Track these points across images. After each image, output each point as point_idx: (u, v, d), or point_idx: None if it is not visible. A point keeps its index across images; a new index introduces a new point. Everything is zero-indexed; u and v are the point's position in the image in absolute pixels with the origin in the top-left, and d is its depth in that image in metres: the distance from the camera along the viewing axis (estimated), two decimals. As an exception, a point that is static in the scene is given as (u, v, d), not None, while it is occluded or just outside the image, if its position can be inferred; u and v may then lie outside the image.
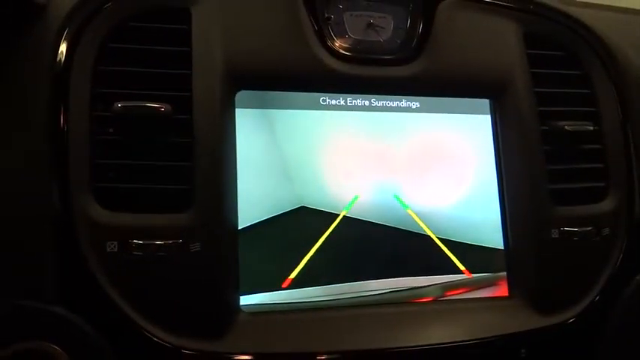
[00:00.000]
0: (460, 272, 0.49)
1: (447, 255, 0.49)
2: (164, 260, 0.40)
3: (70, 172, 0.40)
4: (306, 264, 0.45)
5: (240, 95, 0.46)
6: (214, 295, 0.42)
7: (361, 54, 0.50)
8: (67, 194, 0.39)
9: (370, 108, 0.50)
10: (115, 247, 0.40)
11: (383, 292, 0.47)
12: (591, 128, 0.53)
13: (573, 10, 0.57)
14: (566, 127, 0.53)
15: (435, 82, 0.51)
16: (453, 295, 0.49)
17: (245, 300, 0.44)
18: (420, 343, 0.45)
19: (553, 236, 0.50)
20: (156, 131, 0.42)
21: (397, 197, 0.49)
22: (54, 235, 0.39)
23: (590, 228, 0.51)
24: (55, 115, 0.41)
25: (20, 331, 0.37)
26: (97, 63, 0.43)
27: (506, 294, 0.50)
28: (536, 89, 0.53)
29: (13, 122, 0.40)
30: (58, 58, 0.42)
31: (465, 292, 0.49)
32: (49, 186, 0.39)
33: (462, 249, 0.49)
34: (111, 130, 0.42)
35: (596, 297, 0.49)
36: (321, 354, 0.42)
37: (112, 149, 0.42)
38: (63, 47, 0.42)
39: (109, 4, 0.44)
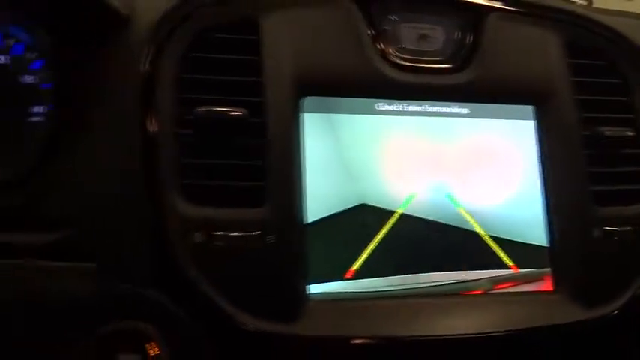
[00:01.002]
0: (508, 267, 0.52)
1: (495, 251, 0.52)
2: (243, 250, 0.44)
3: (160, 170, 0.44)
4: (367, 257, 0.49)
5: (306, 101, 0.50)
6: (287, 282, 0.46)
7: (414, 63, 0.54)
8: (157, 190, 0.44)
9: (423, 113, 0.54)
10: (200, 237, 0.44)
11: (437, 284, 0.50)
12: (630, 134, 0.57)
13: (609, 20, 0.60)
14: (606, 132, 0.56)
15: (483, 90, 0.54)
16: (501, 288, 0.52)
17: (313, 288, 0.48)
18: (472, 331, 0.48)
19: (595, 235, 0.53)
20: (233, 133, 0.47)
21: (450, 197, 0.52)
22: (148, 227, 0.43)
23: (629, 228, 0.54)
24: (144, 120, 0.45)
25: (119, 312, 0.42)
26: (178, 71, 0.47)
27: (551, 288, 0.53)
28: (577, 97, 0.56)
29: (109, 126, 0.45)
30: (144, 67, 0.46)
31: (512, 286, 0.52)
32: (141, 183, 0.44)
33: (510, 246, 0.53)
34: (193, 132, 0.47)
35: (637, 290, 0.52)
36: (383, 338, 0.46)
37: (194, 150, 0.46)
38: (149, 57, 0.47)
39: (188, 18, 0.49)
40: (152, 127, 0.45)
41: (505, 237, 0.53)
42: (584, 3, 0.83)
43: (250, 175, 0.46)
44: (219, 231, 0.44)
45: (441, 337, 0.47)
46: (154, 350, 0.43)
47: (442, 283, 0.51)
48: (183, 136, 0.46)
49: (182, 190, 0.45)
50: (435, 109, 0.54)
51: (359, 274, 0.49)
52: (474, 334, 0.48)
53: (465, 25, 0.56)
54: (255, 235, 0.45)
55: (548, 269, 0.53)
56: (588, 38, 0.59)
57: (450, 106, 0.54)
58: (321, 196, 0.49)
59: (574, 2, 0.70)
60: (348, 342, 0.46)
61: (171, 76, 0.47)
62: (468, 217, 0.52)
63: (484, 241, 0.52)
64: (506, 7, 0.56)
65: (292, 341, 0.45)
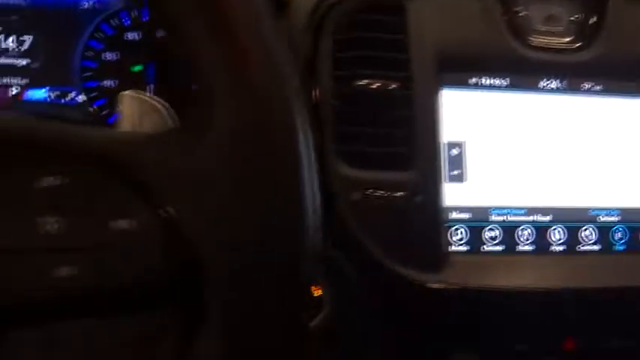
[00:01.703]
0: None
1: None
2: (395, 208, 0.51)
3: (324, 138, 0.51)
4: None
5: (446, 76, 0.55)
6: (433, 237, 0.52)
7: (543, 42, 0.57)
8: (322, 155, 0.50)
9: (556, 91, 0.57)
10: (357, 196, 0.50)
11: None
12: None
13: None
14: None
15: (611, 67, 0.58)
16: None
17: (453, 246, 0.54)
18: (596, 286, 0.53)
19: None
20: (384, 105, 0.53)
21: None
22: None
23: None
24: (309, 95, 0.52)
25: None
26: (334, 51, 0.54)
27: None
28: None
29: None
30: (306, 48, 0.53)
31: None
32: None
33: None
34: (350, 104, 0.53)
35: None
36: (520, 289, 0.52)
37: (351, 120, 0.52)
38: (309, 38, 0.53)
39: (341, 1, 0.55)
40: (315, 101, 0.52)
41: None
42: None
43: (399, 142, 0.52)
44: (373, 190, 0.50)
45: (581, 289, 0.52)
46: (317, 292, 0.50)
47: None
48: (341, 107, 0.52)
49: (341, 154, 0.51)
50: (566, 85, 0.58)
51: (493, 234, 0.55)
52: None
53: (589, 5, 0.59)
54: (403, 194, 0.51)
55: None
56: None
57: (581, 84, 0.58)
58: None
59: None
60: (486, 292, 0.52)
61: (329, 56, 0.53)
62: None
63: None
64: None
65: (437, 291, 0.51)
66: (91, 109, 0.58)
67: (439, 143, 0.54)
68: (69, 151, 0.24)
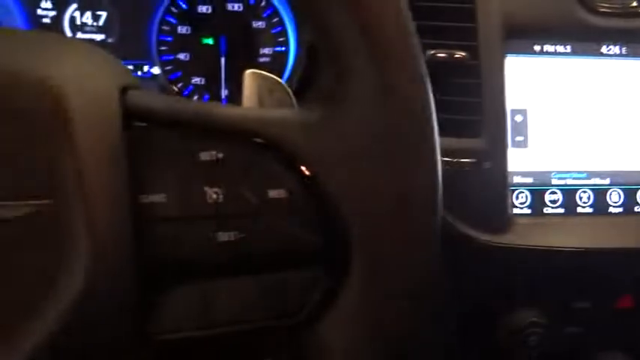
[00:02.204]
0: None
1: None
2: (464, 174, 0.53)
3: None
4: (562, 182, 0.57)
5: (512, 43, 0.56)
6: (498, 200, 0.54)
7: (609, 7, 0.58)
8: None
9: (618, 56, 0.58)
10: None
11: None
12: None
13: None
14: None
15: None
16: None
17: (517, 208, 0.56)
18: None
19: None
20: (454, 74, 0.54)
21: None
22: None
23: None
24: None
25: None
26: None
27: None
28: None
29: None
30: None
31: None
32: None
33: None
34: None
35: None
36: (580, 249, 0.54)
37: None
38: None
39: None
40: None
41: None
42: None
43: (469, 110, 0.54)
44: (446, 157, 0.53)
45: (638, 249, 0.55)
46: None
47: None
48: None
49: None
50: (627, 51, 0.59)
51: (556, 197, 0.57)
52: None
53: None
54: (473, 161, 0.53)
55: None
56: None
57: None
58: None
59: None
60: (547, 252, 0.54)
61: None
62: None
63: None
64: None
65: (501, 251, 0.54)
66: (167, 82, 0.61)
67: (505, 110, 0.56)
68: (226, 129, 0.26)
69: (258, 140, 0.26)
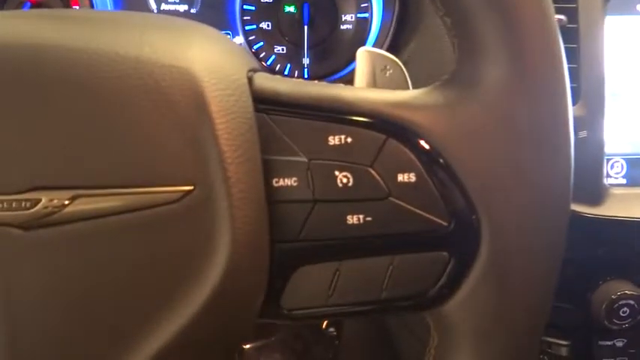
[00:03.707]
0: None
1: None
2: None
3: None
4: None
5: (611, 4, 0.53)
6: (594, 170, 0.52)
7: None
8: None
9: None
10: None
11: None
12: None
13: None
14: None
15: None
16: None
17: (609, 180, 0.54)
18: None
19: None
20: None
21: None
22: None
23: None
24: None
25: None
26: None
27: None
28: None
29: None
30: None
31: None
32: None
33: None
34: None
35: None
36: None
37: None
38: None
39: None
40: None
41: None
42: None
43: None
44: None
45: None
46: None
47: None
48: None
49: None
50: None
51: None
52: None
53: None
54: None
55: None
56: None
57: None
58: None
59: None
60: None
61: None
62: None
63: None
64: None
65: (596, 221, 0.53)
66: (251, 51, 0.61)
67: (603, 77, 0.53)
68: (355, 112, 0.26)
69: (387, 123, 0.26)
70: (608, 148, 0.54)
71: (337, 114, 0.27)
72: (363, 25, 0.61)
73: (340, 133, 0.26)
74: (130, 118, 0.25)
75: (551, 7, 0.26)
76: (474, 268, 0.27)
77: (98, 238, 0.24)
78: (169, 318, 0.25)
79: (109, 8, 0.61)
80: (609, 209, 0.53)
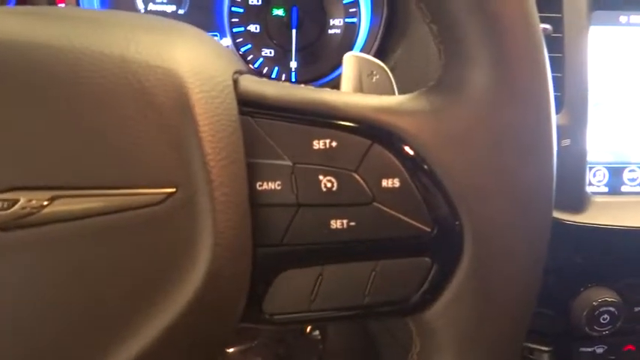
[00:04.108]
0: None
1: None
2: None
3: None
4: (643, 161, 0.55)
5: (595, 15, 0.54)
6: (576, 178, 0.53)
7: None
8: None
9: None
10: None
11: None
12: None
13: None
14: None
15: None
16: None
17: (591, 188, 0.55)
18: None
19: None
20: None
21: None
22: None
23: None
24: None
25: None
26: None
27: None
28: None
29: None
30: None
31: None
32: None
33: None
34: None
35: None
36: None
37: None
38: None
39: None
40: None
41: None
42: None
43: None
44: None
45: None
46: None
47: None
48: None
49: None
50: None
51: (636, 176, 0.55)
52: None
53: None
54: (552, 138, 0.52)
55: None
56: None
57: None
58: (603, 105, 0.55)
59: None
60: (624, 232, 0.53)
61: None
62: None
63: None
64: None
65: (577, 229, 0.53)
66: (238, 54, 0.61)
67: (587, 86, 0.54)
68: (339, 117, 0.26)
69: (372, 129, 0.26)
70: (590, 157, 0.55)
71: (322, 118, 0.27)
72: (351, 30, 0.61)
73: (325, 138, 0.26)
74: (112, 118, 0.24)
75: (536, 16, 0.26)
76: (457, 274, 0.27)
77: (77, 240, 0.24)
78: (149, 322, 0.25)
79: (96, 7, 0.61)
80: (591, 217, 0.53)
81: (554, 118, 0.27)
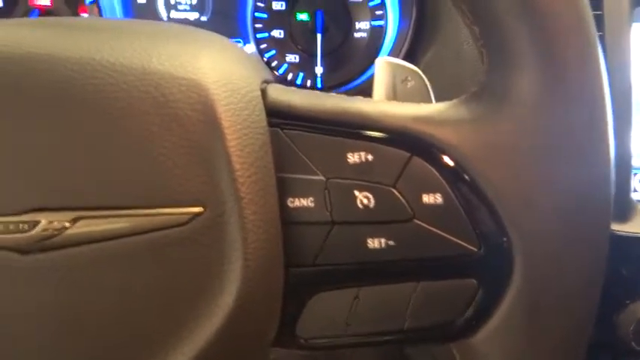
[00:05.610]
0: None
1: None
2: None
3: None
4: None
5: (638, 11, 0.51)
6: (621, 185, 0.50)
7: None
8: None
9: None
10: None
11: None
12: None
13: None
14: None
15: None
16: None
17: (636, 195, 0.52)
18: None
19: None
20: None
21: None
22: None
23: None
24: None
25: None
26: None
27: None
28: None
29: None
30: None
31: None
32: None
33: None
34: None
35: None
36: None
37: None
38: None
39: None
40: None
41: None
42: None
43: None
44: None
45: None
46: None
47: None
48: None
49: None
50: None
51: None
52: None
53: None
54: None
55: None
56: None
57: None
58: None
59: None
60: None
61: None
62: None
63: None
64: None
65: (622, 238, 0.50)
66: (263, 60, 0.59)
67: (631, 86, 0.51)
68: (375, 128, 0.25)
69: (411, 140, 0.24)
70: (635, 162, 0.52)
71: (357, 129, 0.25)
72: (377, 33, 0.59)
73: (360, 150, 0.25)
74: (135, 133, 0.23)
75: (589, 10, 0.24)
76: (506, 297, 0.25)
77: (101, 263, 0.23)
78: (178, 348, 0.23)
79: (118, 17, 0.60)
80: (637, 226, 0.50)
81: (610, 122, 0.24)
